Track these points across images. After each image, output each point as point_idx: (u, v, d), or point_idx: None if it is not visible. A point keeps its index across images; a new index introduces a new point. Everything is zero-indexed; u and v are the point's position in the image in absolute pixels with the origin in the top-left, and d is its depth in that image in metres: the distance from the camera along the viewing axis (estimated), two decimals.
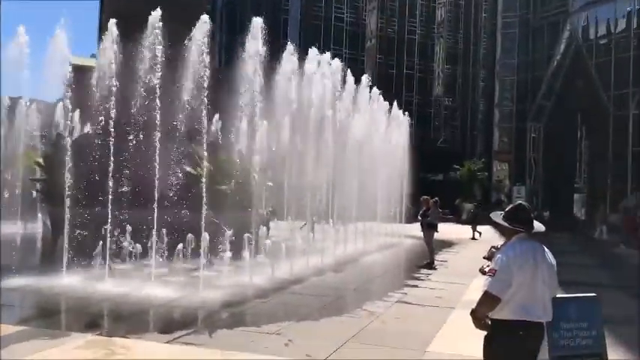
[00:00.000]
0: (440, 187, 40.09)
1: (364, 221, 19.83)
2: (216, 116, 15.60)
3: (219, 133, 16.00)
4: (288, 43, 15.12)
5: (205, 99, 11.16)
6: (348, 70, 18.16)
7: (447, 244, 21.37)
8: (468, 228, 26.16)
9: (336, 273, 13.43)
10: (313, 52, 15.57)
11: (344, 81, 17.39)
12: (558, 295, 4.39)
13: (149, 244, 11.01)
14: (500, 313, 3.99)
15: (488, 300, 3.97)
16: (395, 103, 23.96)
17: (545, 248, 4.21)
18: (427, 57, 58.03)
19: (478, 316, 4.04)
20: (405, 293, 11.18)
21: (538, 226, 4.28)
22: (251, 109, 12.45)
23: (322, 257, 14.40)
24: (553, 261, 4.19)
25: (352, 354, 6.76)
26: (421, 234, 15.95)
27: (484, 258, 4.72)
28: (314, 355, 6.54)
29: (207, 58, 11.38)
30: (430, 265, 14.79)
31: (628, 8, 38.21)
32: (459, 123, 59.20)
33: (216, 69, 17.35)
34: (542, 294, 4.04)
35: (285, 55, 14.51)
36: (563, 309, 4.61)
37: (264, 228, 14.10)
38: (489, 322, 4.05)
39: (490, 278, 4.00)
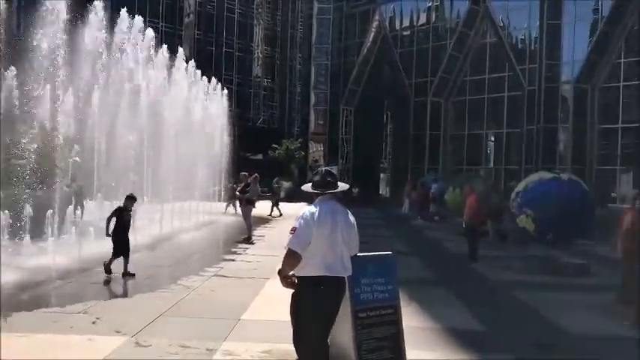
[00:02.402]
0: (260, 166, 40.68)
1: (182, 200, 19.45)
2: (14, 84, 14.05)
3: (17, 104, 14.44)
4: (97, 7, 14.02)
5: None
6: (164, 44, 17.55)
7: (266, 220, 21.87)
8: (286, 205, 26.98)
9: (151, 251, 13.03)
10: (123, 17, 14.66)
11: (157, 53, 16.72)
12: (359, 254, 4.78)
13: None
14: (304, 271, 4.25)
15: (290, 256, 4.21)
16: (214, 80, 23.70)
17: (347, 210, 4.55)
18: (247, 37, 58.13)
19: (284, 274, 4.25)
20: (222, 267, 11.26)
21: (342, 185, 4.61)
22: (52, 78, 11.43)
23: (136, 236, 13.84)
24: (353, 221, 4.55)
25: (165, 327, 6.65)
26: (240, 210, 16.12)
27: None
28: (124, 331, 6.32)
29: None
30: (248, 240, 15.02)
31: (428, 4, 41.98)
32: (277, 104, 60.42)
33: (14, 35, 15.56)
34: (341, 251, 4.37)
35: (91, 18, 13.49)
36: (363, 267, 5.03)
37: (73, 207, 13.12)
38: (296, 281, 4.29)
39: (291, 236, 4.23)
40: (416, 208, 27.20)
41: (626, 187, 31.14)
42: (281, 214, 23.86)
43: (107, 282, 9.27)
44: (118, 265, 9.62)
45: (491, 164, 40.68)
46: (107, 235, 9.73)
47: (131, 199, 10.16)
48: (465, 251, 13.95)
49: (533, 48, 35.35)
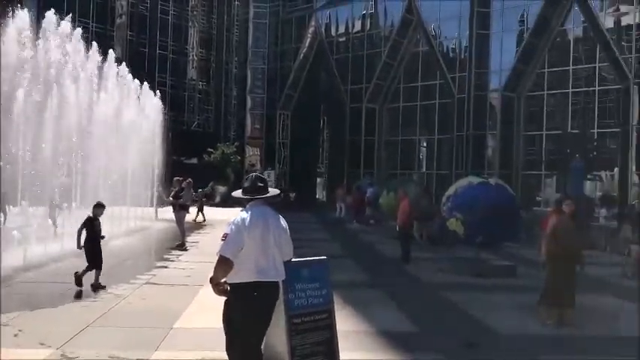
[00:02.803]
0: (194, 170, 39.94)
1: (113, 205, 18.83)
2: None
3: None
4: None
5: None
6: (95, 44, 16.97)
7: (200, 226, 21.54)
8: (221, 210, 26.66)
9: (78, 258, 12.54)
10: (50, 16, 14.09)
11: (88, 53, 16.15)
12: (293, 260, 4.79)
13: None
14: (236, 277, 4.22)
15: (222, 263, 4.17)
16: (146, 83, 23.15)
17: (279, 215, 4.56)
18: (181, 39, 57.17)
19: (215, 281, 4.21)
20: (154, 275, 11.00)
21: (272, 190, 4.62)
22: None
23: (63, 243, 13.31)
24: (285, 225, 4.56)
25: (93, 337, 6.44)
26: (173, 216, 15.79)
27: None
28: (49, 342, 6.07)
29: None
30: (182, 247, 14.74)
31: (363, 11, 42.65)
32: (213, 107, 59.67)
33: None
34: (273, 255, 4.36)
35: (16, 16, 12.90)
36: (297, 272, 5.04)
37: None
38: (228, 288, 4.25)
39: (222, 242, 4.20)
40: (352, 212, 27.53)
41: (550, 191, 32.68)
42: (204, 220, 23.38)
43: (78, 295, 8.80)
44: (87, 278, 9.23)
45: (424, 169, 41.72)
46: (78, 247, 9.35)
47: (100, 206, 9.74)
48: (399, 254, 14.25)
49: (463, 57, 36.55)
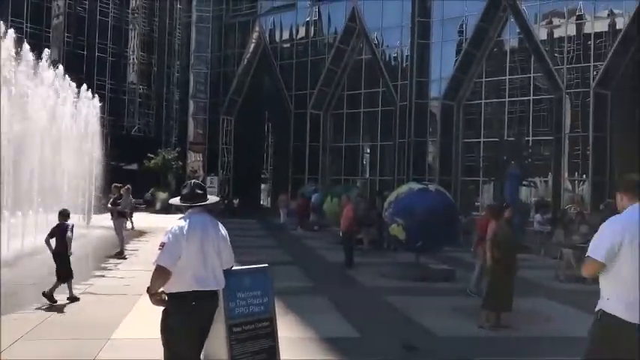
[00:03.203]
0: (135, 176, 39.05)
1: (48, 212, 18.13)
2: None
3: None
4: None
5: None
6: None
7: (140, 234, 21.02)
8: (162, 217, 26.13)
9: (9, 268, 12.02)
10: None
11: (19, 54, 15.49)
12: (234, 268, 4.74)
13: None
14: (175, 286, 4.14)
15: (159, 273, 4.08)
16: (84, 86, 22.45)
17: (219, 222, 4.50)
18: (121, 42, 55.79)
19: (153, 291, 4.12)
20: (91, 284, 10.69)
21: (211, 198, 4.56)
22: None
23: None
24: (225, 234, 4.50)
25: (25, 351, 6.18)
26: (111, 223, 15.38)
27: None
28: None
29: None
30: (120, 255, 14.35)
31: (307, 18, 42.84)
32: (154, 112, 58.45)
33: None
34: (212, 264, 4.30)
35: None
36: (238, 280, 4.99)
37: None
38: (166, 298, 4.16)
39: (160, 251, 4.11)
40: (296, 218, 27.53)
41: (488, 197, 33.71)
42: (132, 227, 22.48)
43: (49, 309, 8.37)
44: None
45: (367, 175, 42.25)
46: (55, 258, 8.89)
47: (64, 215, 9.23)
48: (342, 259, 14.36)
49: (404, 65, 37.29)
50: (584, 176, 30.40)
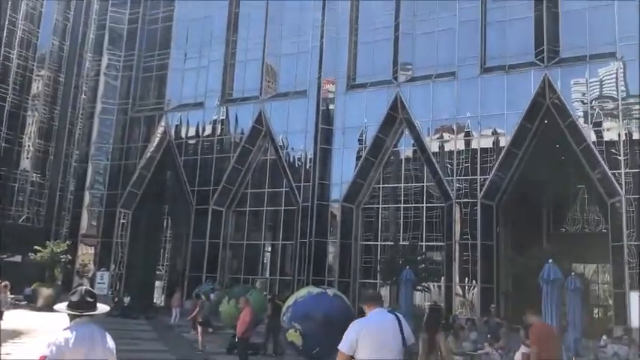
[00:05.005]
0: (17, 269, 36.28)
1: None
2: None
3: None
4: None
5: None
6: None
7: (16, 334, 19.26)
8: (45, 315, 24.20)
9: None
10: None
11: None
12: None
13: None
14: None
15: None
16: None
17: (106, 333, 4.34)
18: (17, 127, 53.67)
19: None
20: None
21: (101, 307, 4.40)
22: None
23: None
24: (112, 345, 4.33)
25: None
26: None
27: None
28: None
29: None
30: None
31: (214, 117, 43.50)
32: (46, 201, 55.59)
33: None
34: None
35: None
36: None
37: None
38: None
39: None
40: (191, 319, 26.47)
41: (384, 300, 34.24)
42: None
43: None
44: None
45: (267, 274, 41.84)
46: None
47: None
48: None
49: (308, 168, 38.46)
50: (474, 282, 31.89)
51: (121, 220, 44.56)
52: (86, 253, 44.76)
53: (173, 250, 48.37)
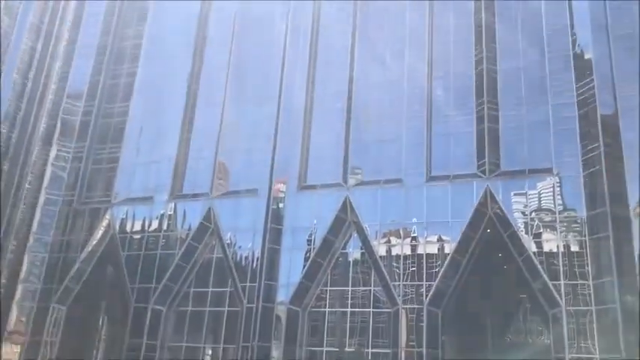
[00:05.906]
0: None
1: None
2: None
3: None
4: None
5: None
6: None
7: None
8: None
9: None
10: None
11: None
12: None
13: None
14: None
15: None
16: None
17: None
18: None
19: None
20: None
21: None
22: None
23: None
24: None
25: None
26: None
27: None
28: None
29: None
30: None
31: (161, 211, 42.86)
32: None
33: None
34: None
35: None
36: None
37: None
38: None
39: None
40: None
41: None
42: None
43: None
44: None
45: None
46: None
47: None
48: None
49: (254, 267, 37.86)
50: None
51: (54, 317, 42.10)
52: (11, 351, 41.68)
53: (107, 351, 45.56)
